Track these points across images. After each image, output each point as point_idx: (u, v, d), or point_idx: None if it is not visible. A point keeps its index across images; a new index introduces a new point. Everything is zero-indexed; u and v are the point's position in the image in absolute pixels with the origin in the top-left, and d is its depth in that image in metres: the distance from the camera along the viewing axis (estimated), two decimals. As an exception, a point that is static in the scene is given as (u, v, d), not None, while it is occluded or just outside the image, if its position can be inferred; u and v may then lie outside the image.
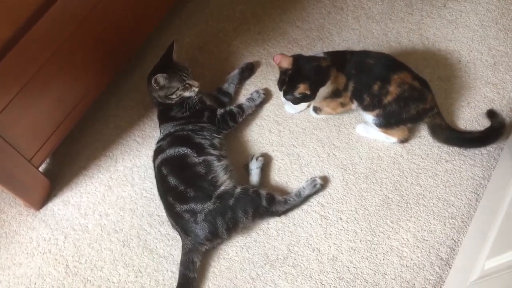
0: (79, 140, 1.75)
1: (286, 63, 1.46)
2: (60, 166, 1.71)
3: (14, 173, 1.48)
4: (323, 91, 1.51)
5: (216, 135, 1.61)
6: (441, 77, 1.74)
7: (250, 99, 1.73)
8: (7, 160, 1.43)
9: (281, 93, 1.52)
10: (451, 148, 1.62)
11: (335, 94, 1.52)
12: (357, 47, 1.85)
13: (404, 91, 1.51)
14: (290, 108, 1.70)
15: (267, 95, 1.76)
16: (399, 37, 1.86)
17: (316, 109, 1.64)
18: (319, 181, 1.57)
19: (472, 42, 1.83)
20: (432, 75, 1.74)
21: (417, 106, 1.54)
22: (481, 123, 1.66)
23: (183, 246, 1.48)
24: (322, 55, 1.55)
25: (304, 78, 1.43)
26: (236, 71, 1.81)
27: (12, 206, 1.65)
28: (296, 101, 1.50)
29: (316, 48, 1.86)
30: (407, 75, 1.53)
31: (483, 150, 1.61)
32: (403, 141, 1.63)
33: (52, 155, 1.70)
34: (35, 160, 1.53)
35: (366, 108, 1.57)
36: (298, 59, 1.48)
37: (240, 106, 1.69)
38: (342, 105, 1.58)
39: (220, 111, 1.66)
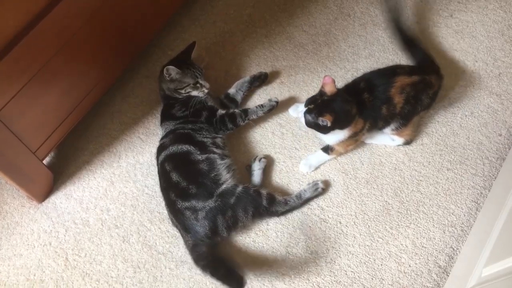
0: (83, 135, 1.77)
1: (329, 89, 1.47)
2: (64, 160, 1.73)
3: (18, 164, 1.49)
4: (339, 134, 1.51)
5: (216, 135, 1.62)
6: (445, 86, 1.74)
7: (260, 105, 1.68)
8: (12, 152, 1.45)
9: (303, 108, 1.51)
10: (453, 156, 1.63)
11: (351, 137, 1.55)
12: (363, 53, 1.86)
13: (408, 92, 1.52)
14: (305, 167, 1.64)
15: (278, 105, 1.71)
16: (405, 45, 1.87)
17: (328, 149, 1.62)
18: (320, 185, 1.57)
19: (477, 53, 1.84)
20: (437, 84, 1.74)
21: (427, 94, 1.57)
22: (483, 133, 1.66)
23: (186, 244, 1.49)
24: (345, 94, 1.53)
25: (333, 111, 1.44)
26: (247, 78, 1.79)
27: (15, 197, 1.66)
28: (311, 124, 1.49)
29: (322, 53, 1.88)
30: (402, 78, 1.52)
31: (485, 160, 1.62)
32: (409, 142, 1.64)
33: (56, 149, 1.72)
34: (39, 152, 1.55)
35: (382, 127, 1.60)
36: (338, 95, 1.48)
37: (244, 110, 1.67)
38: (356, 141, 1.60)
39: (220, 112, 1.64)
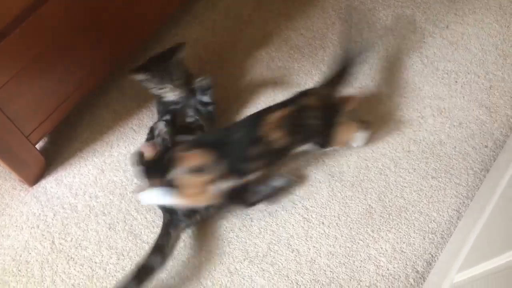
0: (77, 122, 1.80)
1: (150, 153, 1.44)
2: (57, 146, 1.76)
3: (11, 147, 1.53)
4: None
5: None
6: (436, 96, 1.78)
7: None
8: (5, 134, 1.48)
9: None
10: (438, 165, 1.65)
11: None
12: (358, 59, 1.89)
13: (284, 125, 1.45)
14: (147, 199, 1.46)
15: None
16: (399, 53, 1.90)
17: None
18: (289, 176, 1.60)
19: (470, 65, 1.86)
20: (429, 93, 1.77)
21: (313, 117, 1.50)
22: (470, 144, 1.68)
23: (163, 220, 1.50)
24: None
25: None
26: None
27: (7, 179, 1.70)
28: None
29: (317, 56, 1.91)
30: (269, 117, 1.45)
31: (470, 170, 1.64)
32: (364, 138, 1.66)
33: (50, 135, 1.76)
34: (32, 137, 1.58)
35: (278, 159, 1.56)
36: (160, 153, 1.44)
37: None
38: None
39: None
